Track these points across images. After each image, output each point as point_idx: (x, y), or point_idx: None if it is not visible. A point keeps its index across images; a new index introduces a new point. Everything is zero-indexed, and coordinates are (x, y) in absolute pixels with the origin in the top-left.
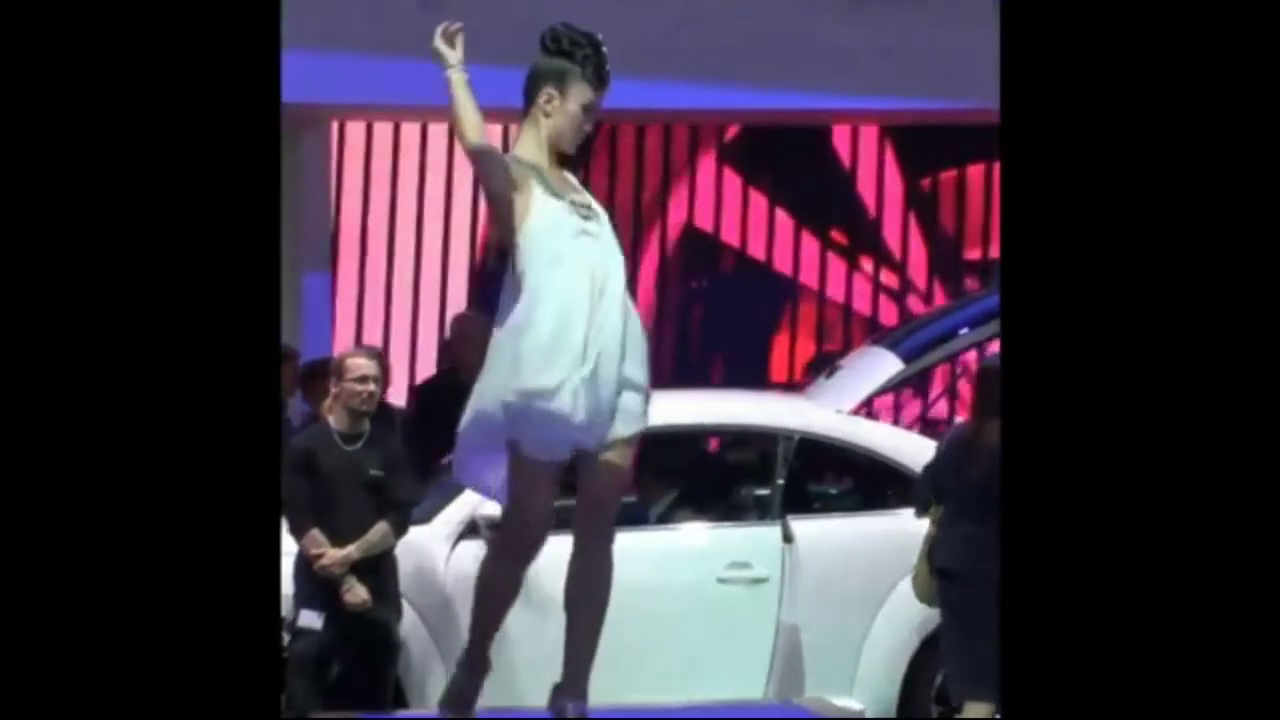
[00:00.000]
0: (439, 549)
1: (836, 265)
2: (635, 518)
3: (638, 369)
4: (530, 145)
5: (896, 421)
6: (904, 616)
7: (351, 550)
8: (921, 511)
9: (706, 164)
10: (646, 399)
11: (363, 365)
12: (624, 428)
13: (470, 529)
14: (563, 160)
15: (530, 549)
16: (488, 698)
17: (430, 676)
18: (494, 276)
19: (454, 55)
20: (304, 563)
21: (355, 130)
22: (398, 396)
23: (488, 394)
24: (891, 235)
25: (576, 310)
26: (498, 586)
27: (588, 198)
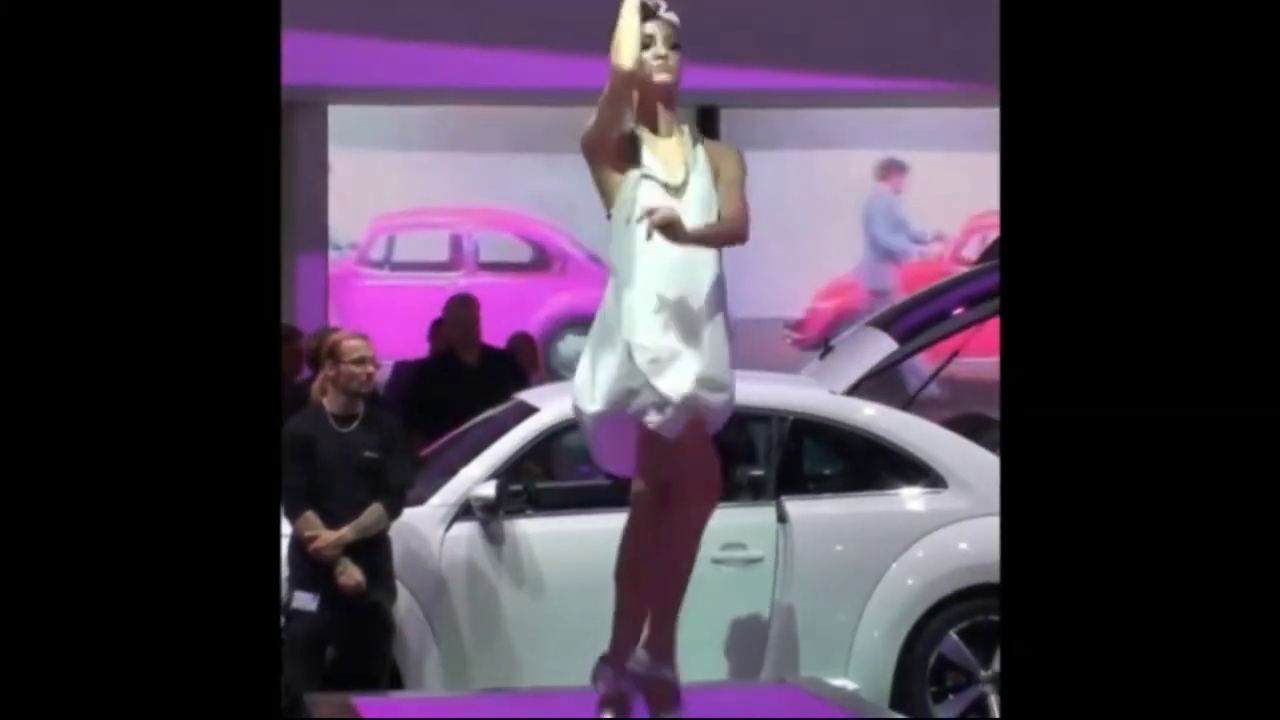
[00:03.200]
0: (433, 531)
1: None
2: (621, 499)
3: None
4: None
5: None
6: (899, 596)
7: (346, 533)
8: None
9: None
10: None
11: (359, 346)
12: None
13: (464, 510)
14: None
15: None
16: (483, 678)
17: (425, 657)
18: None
19: None
20: (298, 545)
21: (351, 113)
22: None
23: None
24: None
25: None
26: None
27: None
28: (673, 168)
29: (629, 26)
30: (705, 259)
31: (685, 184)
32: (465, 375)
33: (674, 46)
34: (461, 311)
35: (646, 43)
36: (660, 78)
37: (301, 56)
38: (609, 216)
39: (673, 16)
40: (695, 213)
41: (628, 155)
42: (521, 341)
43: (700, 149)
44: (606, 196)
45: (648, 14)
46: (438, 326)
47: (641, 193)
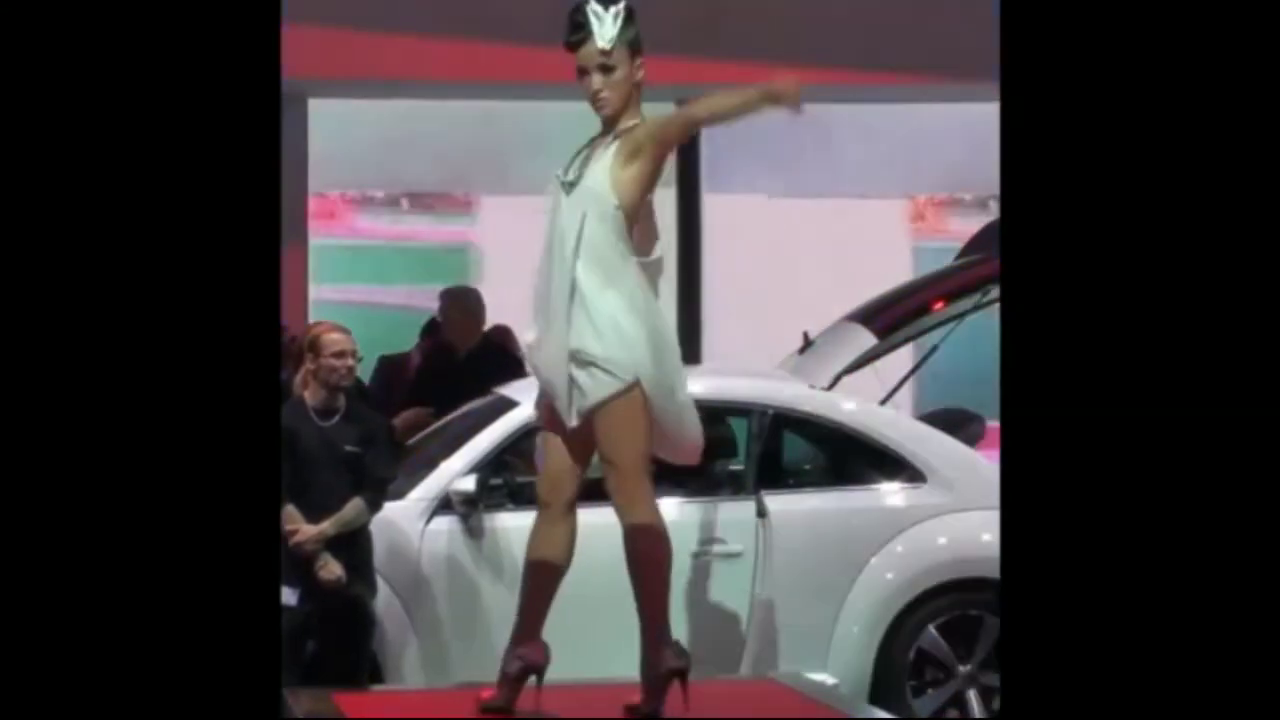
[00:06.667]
0: (413, 525)
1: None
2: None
3: (593, 341)
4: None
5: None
6: (878, 591)
7: (326, 527)
8: None
9: None
10: (606, 371)
11: (340, 340)
12: (578, 400)
13: (444, 504)
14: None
15: (545, 511)
16: (463, 672)
17: (406, 652)
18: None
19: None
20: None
21: (332, 107)
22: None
23: None
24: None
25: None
26: (532, 553)
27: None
28: (574, 165)
29: (733, 106)
30: (564, 261)
31: (576, 180)
32: (460, 367)
33: (605, 70)
34: (461, 304)
35: (581, 68)
36: (603, 113)
37: (283, 49)
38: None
39: (604, 42)
40: (577, 205)
41: None
42: (502, 334)
43: (616, 143)
44: None
45: (577, 35)
46: (432, 325)
47: (550, 193)
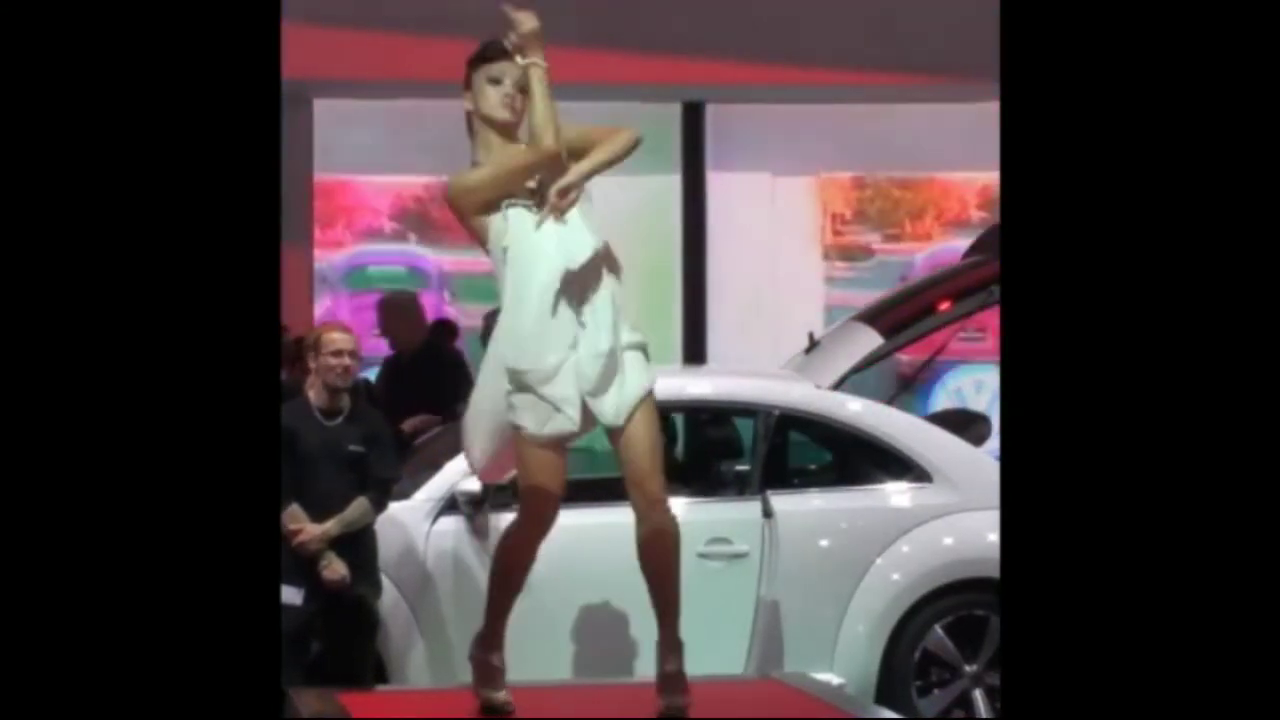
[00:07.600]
0: (419, 525)
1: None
2: (615, 493)
3: (630, 330)
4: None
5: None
6: (884, 591)
7: (330, 526)
8: None
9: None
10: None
11: (338, 340)
12: (636, 387)
13: (450, 505)
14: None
15: (545, 525)
16: (468, 672)
17: (411, 652)
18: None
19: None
20: (283, 539)
21: (337, 107)
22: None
23: (488, 385)
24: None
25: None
26: (520, 561)
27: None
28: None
29: (551, 109)
30: (588, 269)
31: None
32: (405, 371)
33: (521, 90)
34: (399, 310)
35: (497, 78)
36: (501, 115)
37: (287, 49)
38: (488, 253)
39: (536, 61)
40: (578, 221)
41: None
42: (445, 331)
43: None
44: (481, 237)
45: (502, 54)
46: (440, 324)
47: (512, 221)
